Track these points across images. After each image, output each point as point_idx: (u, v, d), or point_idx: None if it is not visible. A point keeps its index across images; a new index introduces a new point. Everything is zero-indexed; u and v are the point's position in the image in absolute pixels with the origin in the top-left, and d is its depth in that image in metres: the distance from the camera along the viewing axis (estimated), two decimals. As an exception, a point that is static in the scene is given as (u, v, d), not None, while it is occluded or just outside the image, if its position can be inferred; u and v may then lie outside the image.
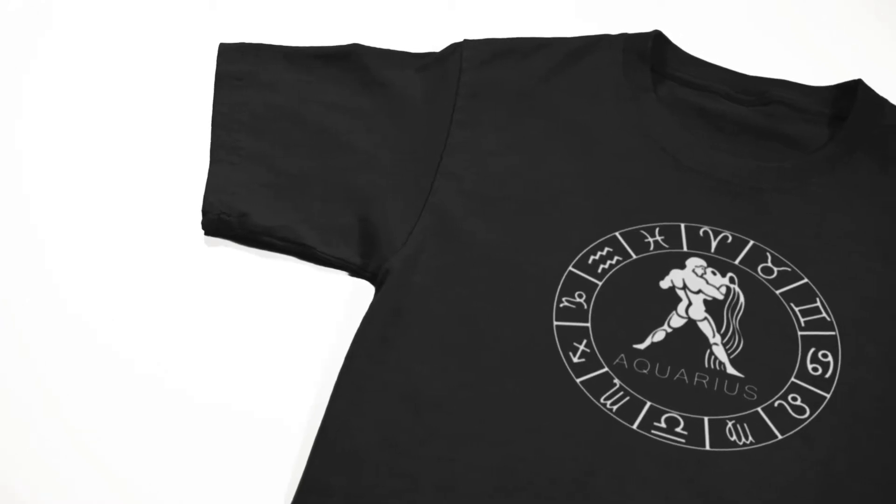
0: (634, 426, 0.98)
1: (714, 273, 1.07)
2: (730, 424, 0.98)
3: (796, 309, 1.05)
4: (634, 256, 1.07)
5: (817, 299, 1.06)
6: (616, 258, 1.07)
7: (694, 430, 0.98)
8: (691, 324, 1.04)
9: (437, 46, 1.22)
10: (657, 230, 1.09)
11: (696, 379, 1.00)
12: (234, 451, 1.00)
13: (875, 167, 1.15)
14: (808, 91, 1.22)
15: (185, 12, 1.33)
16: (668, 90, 1.21)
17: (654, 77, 1.20)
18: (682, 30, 1.29)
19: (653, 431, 0.97)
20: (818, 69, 1.28)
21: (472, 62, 1.18)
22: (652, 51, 1.20)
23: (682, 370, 1.01)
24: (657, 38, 1.21)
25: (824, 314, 1.05)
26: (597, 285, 1.05)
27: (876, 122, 1.18)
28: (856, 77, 1.21)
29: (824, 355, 1.03)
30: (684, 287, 1.06)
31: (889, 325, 1.05)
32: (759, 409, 0.99)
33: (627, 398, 0.99)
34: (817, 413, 1.00)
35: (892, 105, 1.20)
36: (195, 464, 0.99)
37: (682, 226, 1.09)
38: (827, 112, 1.20)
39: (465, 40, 1.20)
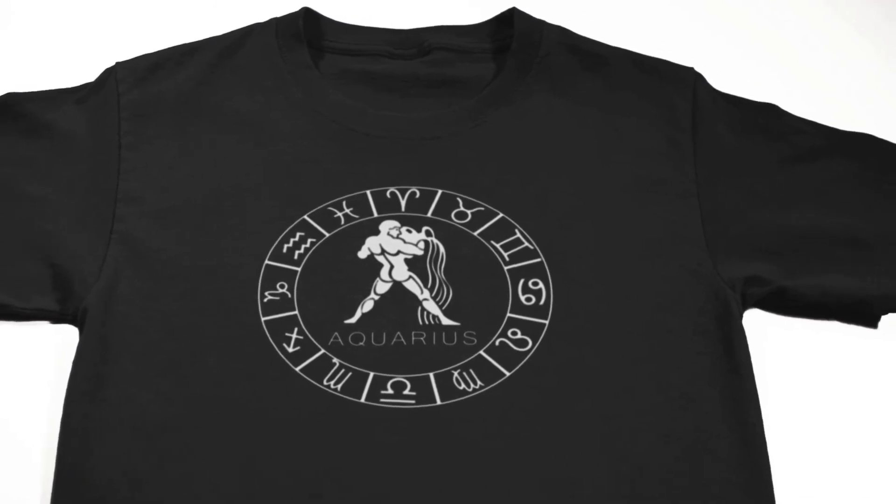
0: (362, 400, 1.00)
1: (409, 231, 1.10)
2: (456, 374, 1.01)
3: (497, 245, 1.09)
4: (328, 235, 1.09)
5: (516, 230, 1.09)
6: (310, 241, 1.09)
7: (422, 388, 1.01)
8: (397, 286, 1.07)
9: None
10: (344, 203, 1.11)
11: (413, 338, 1.03)
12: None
13: (546, 89, 1.20)
14: (465, 31, 1.26)
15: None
16: (329, 63, 1.24)
17: (313, 53, 1.23)
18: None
19: (381, 400, 1.00)
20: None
21: (127, 83, 1.19)
22: (305, 28, 1.22)
23: (398, 333, 1.04)
24: (307, 14, 1.24)
25: (526, 243, 1.09)
26: (296, 272, 1.07)
27: (538, 46, 1.22)
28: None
29: (535, 283, 1.06)
30: (382, 252, 1.09)
31: (589, 237, 1.10)
32: (481, 352, 1.03)
33: (350, 374, 1.01)
34: (540, 341, 1.04)
35: (550, 25, 1.24)
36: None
37: (369, 192, 1.12)
38: (489, 47, 1.25)
39: (117, 63, 1.21)
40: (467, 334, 1.04)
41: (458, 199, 1.12)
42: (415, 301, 1.06)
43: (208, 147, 1.15)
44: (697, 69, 1.22)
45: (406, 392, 1.01)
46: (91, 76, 1.22)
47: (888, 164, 1.18)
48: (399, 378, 1.01)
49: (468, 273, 1.08)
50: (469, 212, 1.11)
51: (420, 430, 0.99)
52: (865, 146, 1.19)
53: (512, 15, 1.24)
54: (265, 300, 1.06)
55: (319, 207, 1.11)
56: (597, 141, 1.16)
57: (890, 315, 1.13)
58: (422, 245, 1.09)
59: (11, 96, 1.20)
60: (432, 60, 1.23)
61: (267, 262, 1.08)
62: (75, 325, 1.09)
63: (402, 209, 1.11)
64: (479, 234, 1.10)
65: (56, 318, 1.10)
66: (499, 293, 1.06)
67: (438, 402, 1.00)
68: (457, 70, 1.23)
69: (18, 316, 1.11)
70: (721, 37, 1.39)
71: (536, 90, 1.19)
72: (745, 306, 1.10)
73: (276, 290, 1.06)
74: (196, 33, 1.25)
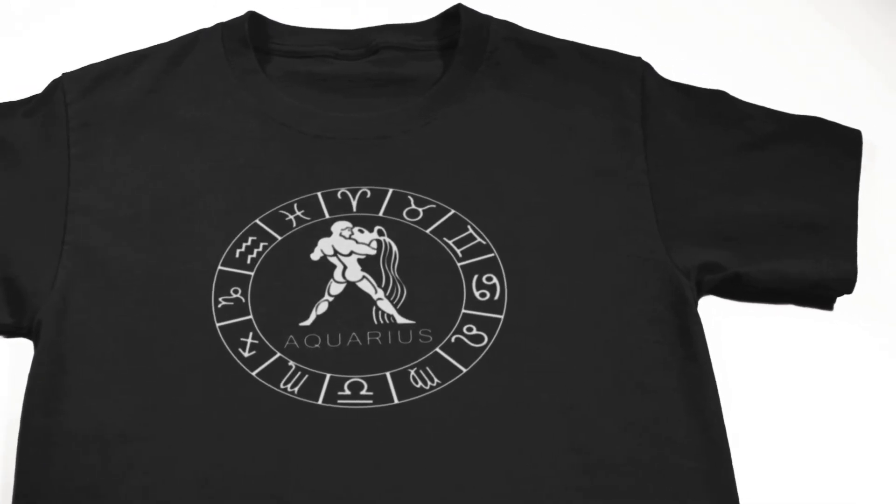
0: (320, 401, 1.01)
1: (361, 231, 1.10)
2: (412, 373, 1.02)
3: (450, 242, 1.09)
4: (280, 238, 1.10)
5: (468, 227, 1.10)
6: (262, 245, 1.09)
7: (379, 388, 1.01)
8: (351, 287, 1.07)
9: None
10: (296, 206, 1.12)
11: (368, 339, 1.04)
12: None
13: (495, 85, 1.20)
14: (411, 29, 1.26)
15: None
16: (276, 66, 1.24)
17: (260, 57, 1.23)
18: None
19: (339, 402, 1.01)
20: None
21: (75, 93, 1.19)
22: (251, 32, 1.23)
23: (354, 334, 1.04)
24: (252, 18, 1.24)
25: (479, 239, 1.09)
26: (249, 277, 1.07)
27: (486, 42, 1.23)
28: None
29: (489, 279, 1.07)
30: (335, 253, 1.09)
31: (542, 231, 1.10)
32: (437, 349, 1.03)
33: (307, 376, 1.02)
34: (495, 336, 1.04)
35: (497, 21, 1.25)
36: None
37: (319, 194, 1.12)
38: (436, 44, 1.25)
39: (64, 73, 1.21)
40: (423, 332, 1.04)
41: (410, 198, 1.12)
42: (369, 301, 1.07)
43: (159, 154, 1.15)
44: (645, 59, 1.22)
45: (363, 392, 1.01)
46: (38, 88, 1.22)
47: (839, 147, 1.19)
48: (356, 378, 1.02)
49: (422, 271, 1.08)
50: (421, 210, 1.11)
51: (379, 429, 0.99)
52: (816, 129, 1.20)
53: (458, 11, 1.24)
54: (219, 306, 1.06)
55: (271, 211, 1.11)
56: (547, 134, 1.16)
57: (845, 297, 1.13)
58: (374, 245, 1.10)
59: None
60: (380, 59, 1.24)
61: (220, 267, 1.08)
62: (30, 338, 1.09)
63: (354, 209, 1.12)
64: (431, 232, 1.10)
65: (10, 332, 1.10)
66: (453, 290, 1.07)
67: (396, 401, 1.01)
68: (405, 68, 1.23)
69: (-28, 331, 1.11)
70: (666, 26, 1.40)
71: (485, 86, 1.19)
72: (701, 293, 1.11)
73: (230, 295, 1.07)
74: (143, 41, 1.26)
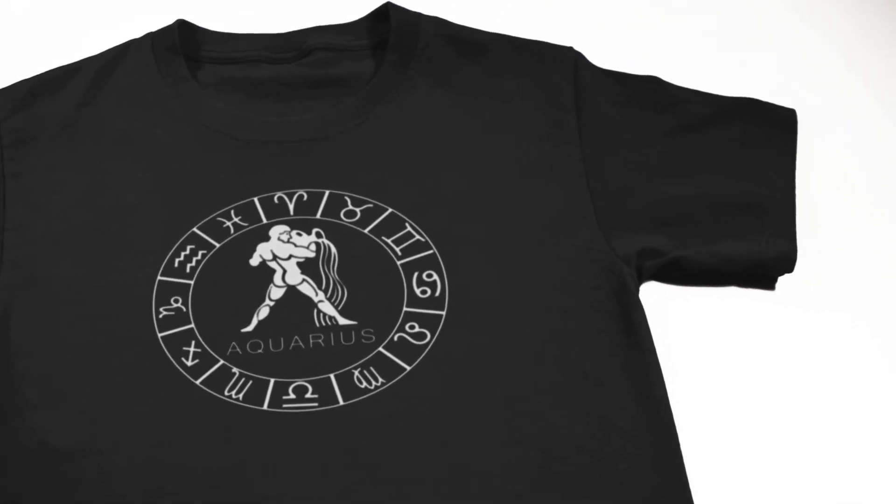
0: (265, 407, 1.01)
1: (299, 234, 1.10)
2: (356, 373, 1.02)
3: (388, 240, 1.10)
4: (218, 245, 1.10)
5: (406, 224, 1.10)
6: (201, 253, 1.09)
7: (323, 390, 1.02)
8: (292, 290, 1.08)
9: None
10: (233, 212, 1.12)
11: (311, 341, 1.04)
12: None
13: (428, 82, 1.20)
14: (342, 29, 1.27)
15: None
16: (208, 73, 1.24)
17: (191, 65, 1.23)
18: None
19: (284, 406, 1.01)
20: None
21: (6, 110, 1.19)
22: (181, 40, 1.23)
23: (296, 337, 1.04)
24: (182, 26, 1.24)
25: (417, 236, 1.10)
26: (189, 285, 1.07)
27: (416, 39, 1.23)
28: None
29: (429, 275, 1.07)
30: (274, 257, 1.09)
31: (480, 225, 1.11)
32: (380, 348, 1.04)
33: (251, 382, 1.02)
34: (438, 333, 1.05)
35: (427, 17, 1.25)
36: None
37: (256, 199, 1.13)
38: (367, 43, 1.26)
39: None
40: (365, 332, 1.05)
41: (346, 198, 1.12)
42: (310, 304, 1.07)
43: (94, 167, 1.15)
44: (577, 48, 1.23)
45: (308, 395, 1.01)
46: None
47: (774, 127, 1.20)
48: (300, 382, 1.02)
49: (361, 271, 1.08)
50: (358, 210, 1.12)
51: (325, 432, 1.00)
52: (751, 110, 1.21)
53: (388, 9, 1.25)
54: (160, 316, 1.06)
55: (208, 219, 1.11)
56: (482, 128, 1.17)
57: (786, 276, 1.14)
58: (313, 247, 1.10)
59: None
60: (312, 61, 1.24)
61: (159, 277, 1.08)
62: (-27, 358, 1.08)
63: (291, 213, 1.12)
64: (369, 232, 1.10)
65: (-47, 352, 1.10)
66: (393, 288, 1.07)
67: (341, 402, 1.01)
68: (338, 69, 1.23)
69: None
70: (596, 14, 1.40)
71: (418, 83, 1.20)
72: (642, 280, 1.12)
73: (171, 305, 1.07)
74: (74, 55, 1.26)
